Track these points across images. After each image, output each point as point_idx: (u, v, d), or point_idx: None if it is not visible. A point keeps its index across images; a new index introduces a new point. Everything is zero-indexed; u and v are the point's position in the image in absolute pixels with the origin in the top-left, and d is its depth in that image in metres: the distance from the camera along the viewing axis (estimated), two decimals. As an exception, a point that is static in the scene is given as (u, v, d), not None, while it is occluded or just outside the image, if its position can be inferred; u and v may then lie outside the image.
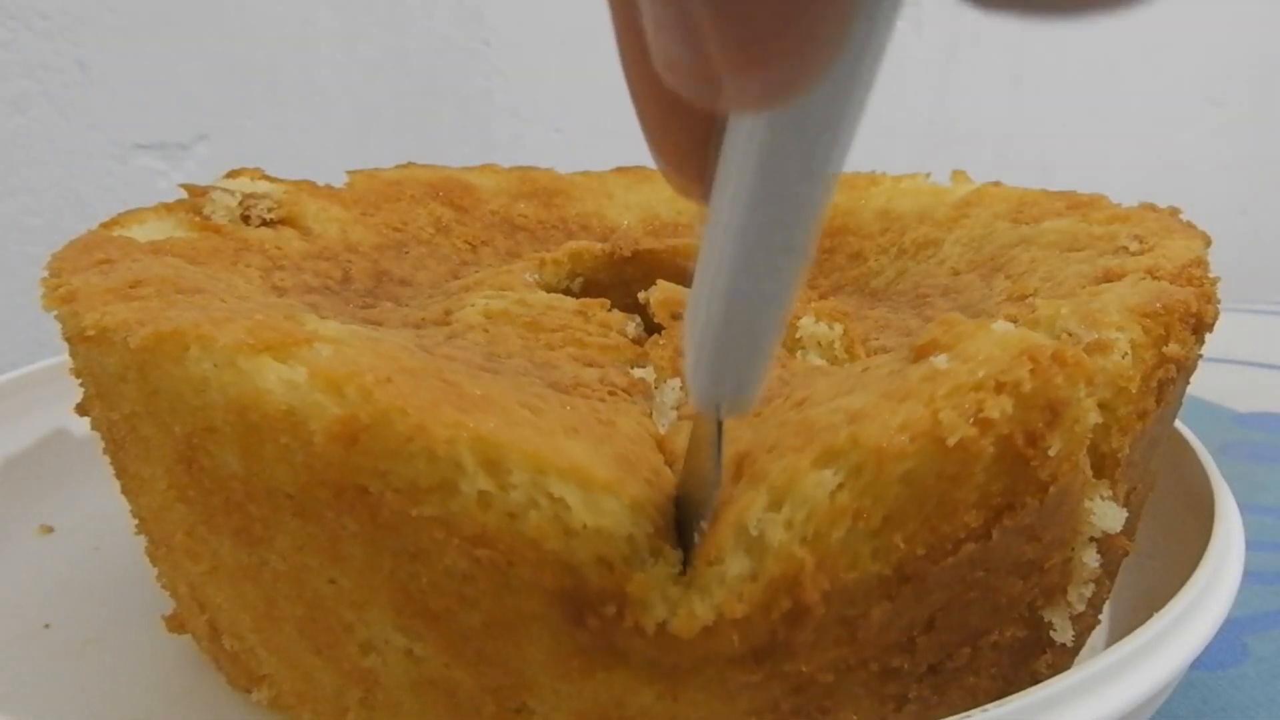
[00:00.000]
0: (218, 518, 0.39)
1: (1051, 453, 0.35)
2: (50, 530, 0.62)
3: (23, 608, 0.55)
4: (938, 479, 0.33)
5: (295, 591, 0.39)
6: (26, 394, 0.66)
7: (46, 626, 0.54)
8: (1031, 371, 0.34)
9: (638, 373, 0.44)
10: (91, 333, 0.40)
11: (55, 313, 0.43)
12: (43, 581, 0.57)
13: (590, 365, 0.42)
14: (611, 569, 0.32)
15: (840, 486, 0.32)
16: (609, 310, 0.47)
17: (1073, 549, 0.40)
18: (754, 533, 0.32)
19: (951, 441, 0.32)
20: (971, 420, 0.33)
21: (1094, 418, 0.37)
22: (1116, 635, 0.49)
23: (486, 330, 0.43)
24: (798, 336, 0.49)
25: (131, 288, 0.42)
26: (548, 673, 0.35)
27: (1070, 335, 0.40)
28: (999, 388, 0.33)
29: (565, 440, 0.34)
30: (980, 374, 0.34)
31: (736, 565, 0.32)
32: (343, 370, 0.34)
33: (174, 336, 0.37)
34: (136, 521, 0.49)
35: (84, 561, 0.59)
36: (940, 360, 0.35)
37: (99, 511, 0.48)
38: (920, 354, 0.37)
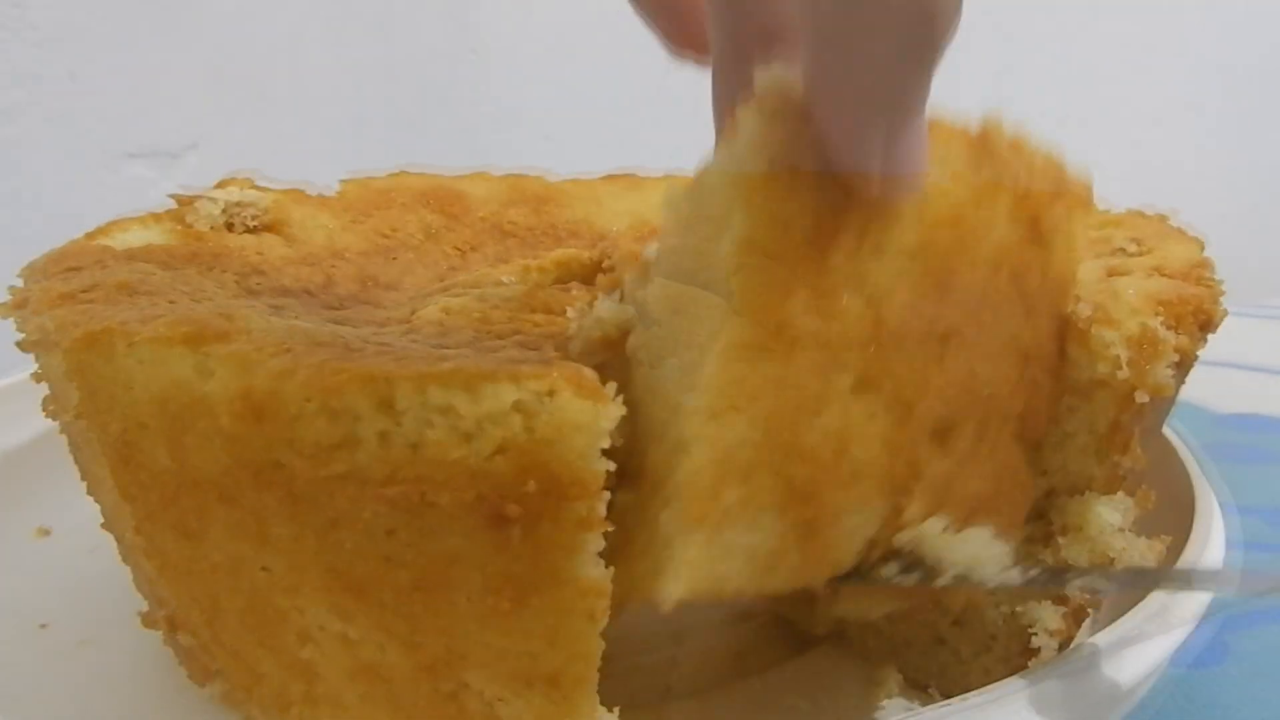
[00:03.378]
0: (157, 513, 0.40)
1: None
2: (47, 533, 0.63)
3: (19, 608, 0.56)
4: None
5: (233, 583, 0.40)
6: (22, 398, 0.66)
7: (42, 627, 0.54)
8: None
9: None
10: (35, 336, 0.41)
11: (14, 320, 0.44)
12: (39, 583, 0.58)
13: (532, 349, 0.43)
14: (516, 446, 0.33)
15: None
16: (550, 288, 0.47)
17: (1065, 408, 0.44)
18: None
19: None
20: None
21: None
22: (1099, 628, 0.49)
23: (442, 324, 0.44)
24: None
25: (84, 292, 0.43)
26: (480, 623, 0.35)
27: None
28: None
29: (449, 359, 0.35)
30: None
31: None
32: (246, 350, 0.35)
33: (103, 335, 0.38)
34: (102, 521, 0.49)
35: (80, 563, 0.59)
36: None
37: (95, 514, 0.48)
38: None
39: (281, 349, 0.35)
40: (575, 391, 0.33)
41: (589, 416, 0.33)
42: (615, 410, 0.33)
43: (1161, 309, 0.43)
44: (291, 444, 0.34)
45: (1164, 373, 0.42)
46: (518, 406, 0.33)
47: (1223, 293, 0.47)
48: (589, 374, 0.33)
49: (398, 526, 0.34)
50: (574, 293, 0.47)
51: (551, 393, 0.32)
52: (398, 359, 0.35)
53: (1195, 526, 0.49)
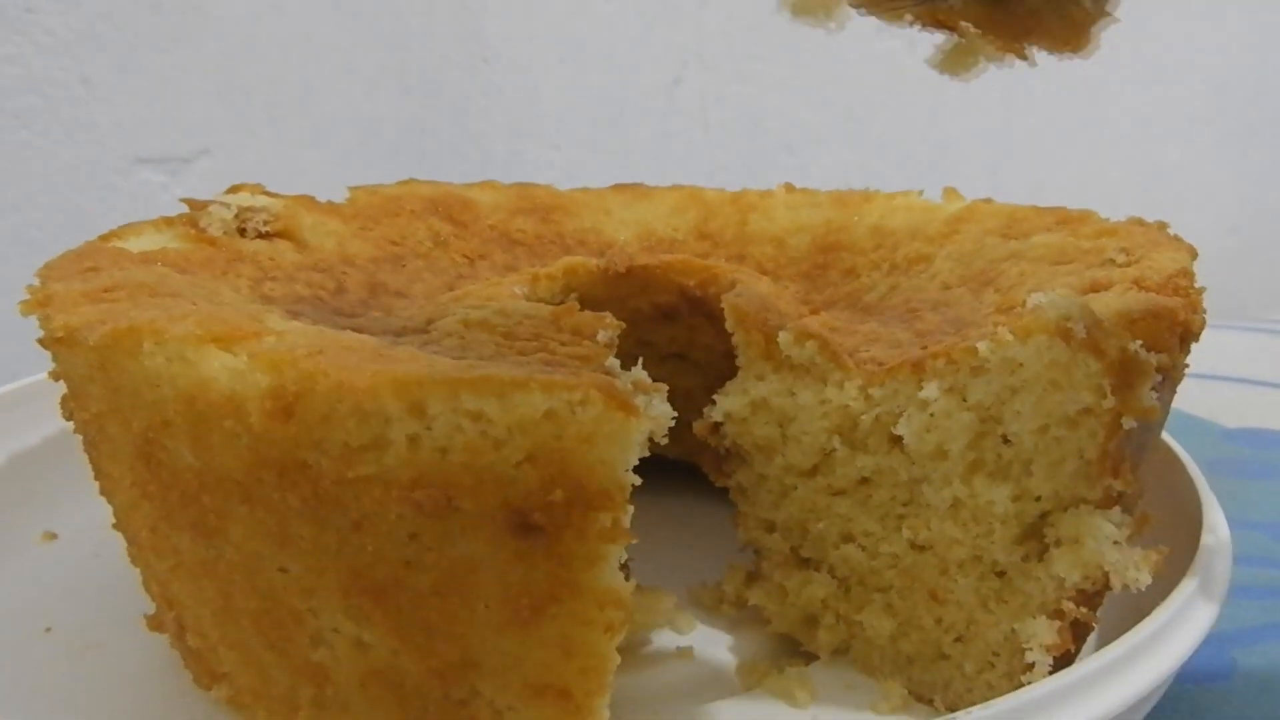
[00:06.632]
0: (176, 512, 0.40)
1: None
2: (54, 537, 0.63)
3: (25, 612, 0.56)
4: None
5: (249, 583, 0.40)
6: (30, 403, 0.66)
7: (48, 630, 0.54)
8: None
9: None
10: (60, 333, 0.41)
11: (36, 317, 0.44)
12: (45, 586, 0.58)
13: (559, 367, 0.43)
14: (546, 454, 0.33)
15: None
16: (580, 312, 0.47)
17: None
18: None
19: None
20: None
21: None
22: (1105, 643, 0.49)
23: (463, 337, 0.44)
24: (785, 355, 0.50)
25: (106, 292, 0.43)
26: (497, 631, 0.36)
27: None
28: None
29: (481, 367, 0.35)
30: None
31: None
32: (280, 350, 0.35)
33: (130, 333, 0.38)
34: (114, 521, 0.49)
35: (85, 567, 0.60)
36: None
37: (101, 519, 0.49)
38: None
39: (314, 350, 0.35)
40: (607, 403, 0.33)
41: (620, 427, 0.33)
42: (646, 424, 0.33)
43: (1136, 328, 0.42)
44: (319, 444, 0.34)
45: (1148, 396, 0.42)
46: (549, 415, 0.33)
47: (1200, 300, 0.47)
48: (622, 386, 0.34)
49: (421, 530, 0.35)
50: (607, 319, 0.46)
51: (584, 402, 0.33)
52: (430, 364, 0.35)
53: (1203, 541, 0.49)
